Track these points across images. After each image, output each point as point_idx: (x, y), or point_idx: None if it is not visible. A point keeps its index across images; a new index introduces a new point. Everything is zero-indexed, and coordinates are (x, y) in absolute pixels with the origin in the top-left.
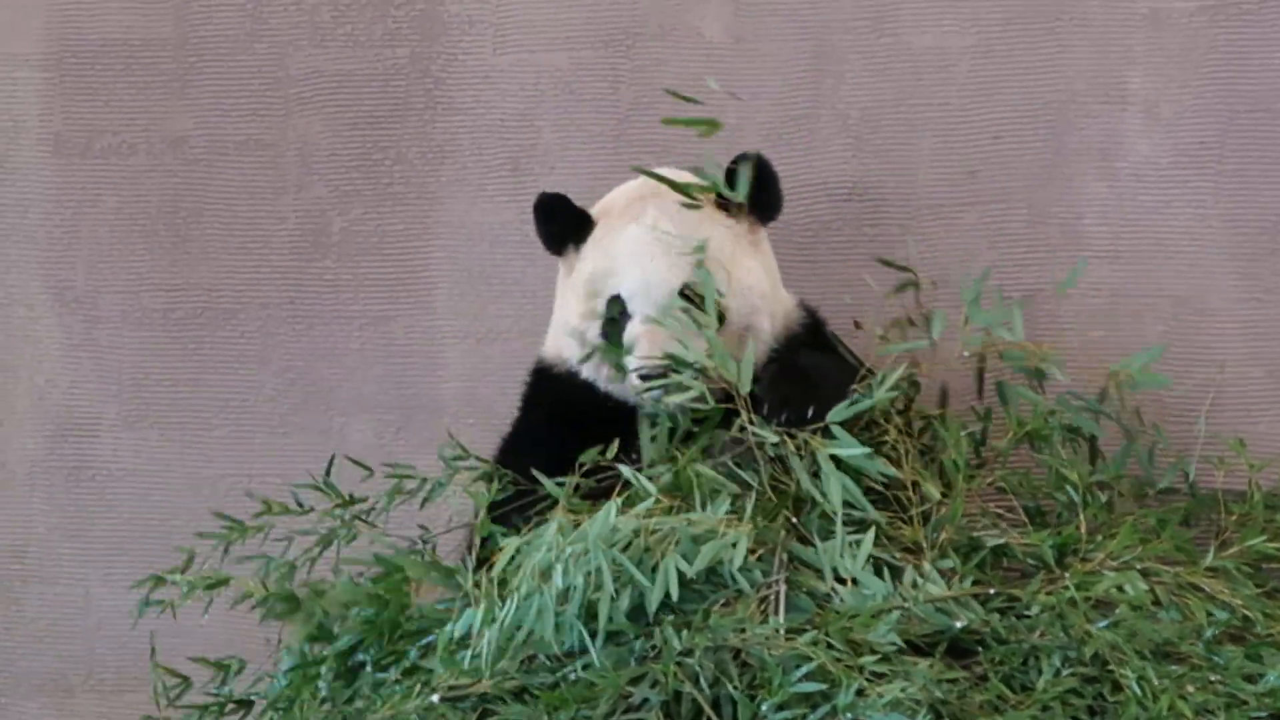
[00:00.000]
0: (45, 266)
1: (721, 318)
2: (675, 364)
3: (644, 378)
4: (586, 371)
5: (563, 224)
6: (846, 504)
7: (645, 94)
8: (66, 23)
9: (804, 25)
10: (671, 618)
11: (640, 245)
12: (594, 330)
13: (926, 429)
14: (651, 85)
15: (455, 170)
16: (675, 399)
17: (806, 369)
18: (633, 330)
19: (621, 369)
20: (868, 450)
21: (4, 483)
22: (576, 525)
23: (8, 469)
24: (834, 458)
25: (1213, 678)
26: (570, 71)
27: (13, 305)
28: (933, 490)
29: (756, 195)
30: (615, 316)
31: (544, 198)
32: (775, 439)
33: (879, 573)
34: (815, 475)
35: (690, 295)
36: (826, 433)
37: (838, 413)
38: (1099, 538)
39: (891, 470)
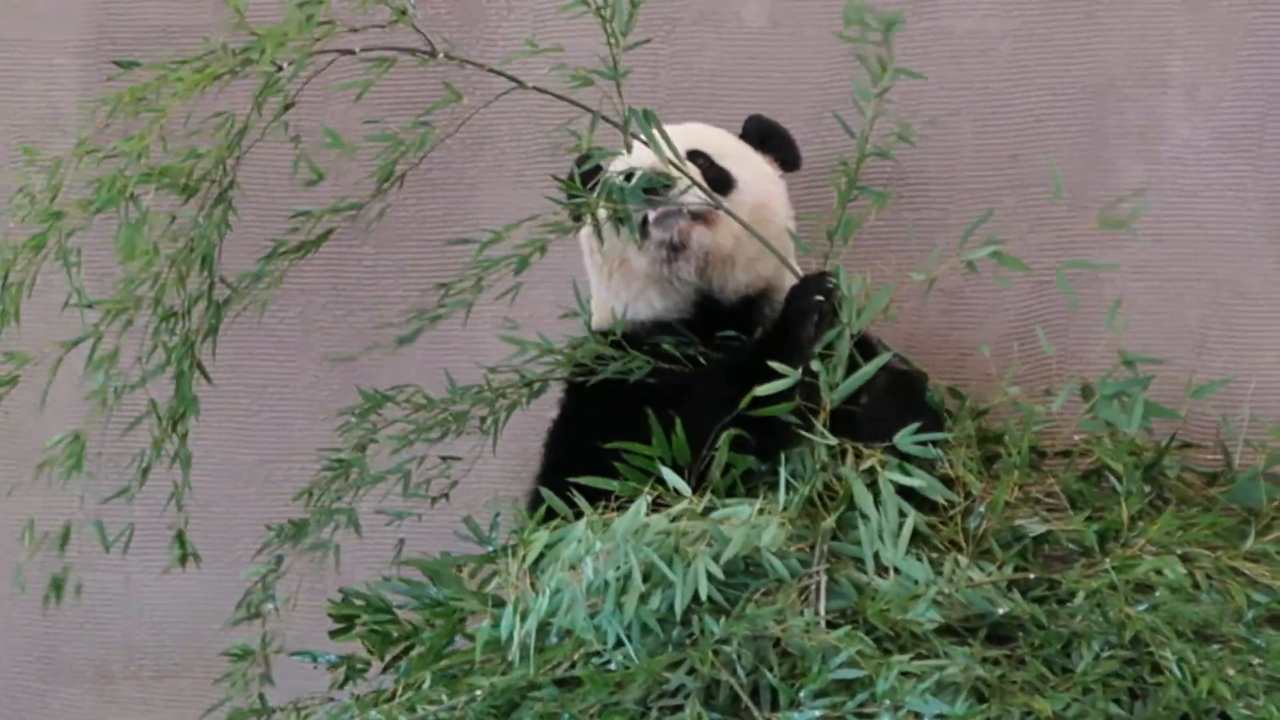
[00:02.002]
0: (84, 253)
1: (730, 183)
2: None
3: (648, 190)
4: (619, 302)
5: (584, 181)
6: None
7: (685, 79)
8: (105, 9)
9: (843, 10)
10: (709, 605)
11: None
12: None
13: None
14: (691, 70)
15: (494, 156)
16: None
17: (912, 394)
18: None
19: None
20: (928, 481)
21: (45, 471)
22: (606, 523)
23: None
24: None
25: (1254, 660)
26: (601, 62)
27: (52, 292)
28: (975, 483)
29: (771, 146)
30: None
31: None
32: (833, 442)
33: (919, 560)
34: (870, 486)
35: (700, 158)
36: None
37: (905, 438)
38: (1140, 523)
39: (946, 492)
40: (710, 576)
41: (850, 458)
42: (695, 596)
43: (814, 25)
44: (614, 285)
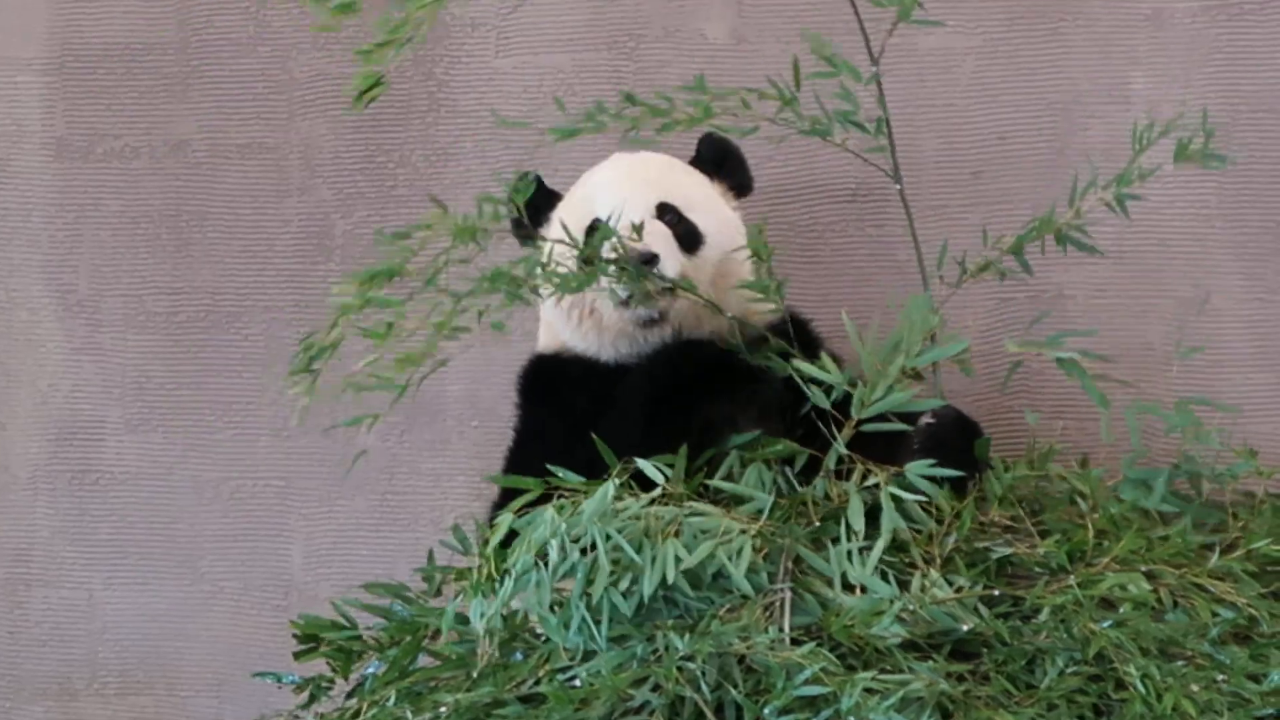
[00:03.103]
0: (48, 270)
1: (699, 239)
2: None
3: (615, 262)
4: (584, 344)
5: (537, 202)
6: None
7: (648, 96)
8: (69, 27)
9: (807, 27)
10: (674, 621)
11: (615, 173)
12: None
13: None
14: (654, 87)
15: (459, 173)
16: (659, 277)
17: (967, 428)
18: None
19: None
20: (925, 497)
21: (7, 486)
22: (575, 505)
23: (11, 473)
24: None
25: (1218, 677)
26: (573, 73)
27: (15, 309)
28: (944, 504)
29: (725, 171)
30: (595, 244)
31: (518, 179)
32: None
33: (885, 579)
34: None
35: (668, 213)
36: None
37: (918, 468)
38: (1104, 543)
39: (927, 522)
40: (676, 579)
41: (857, 474)
42: (660, 603)
43: (777, 41)
44: (582, 329)
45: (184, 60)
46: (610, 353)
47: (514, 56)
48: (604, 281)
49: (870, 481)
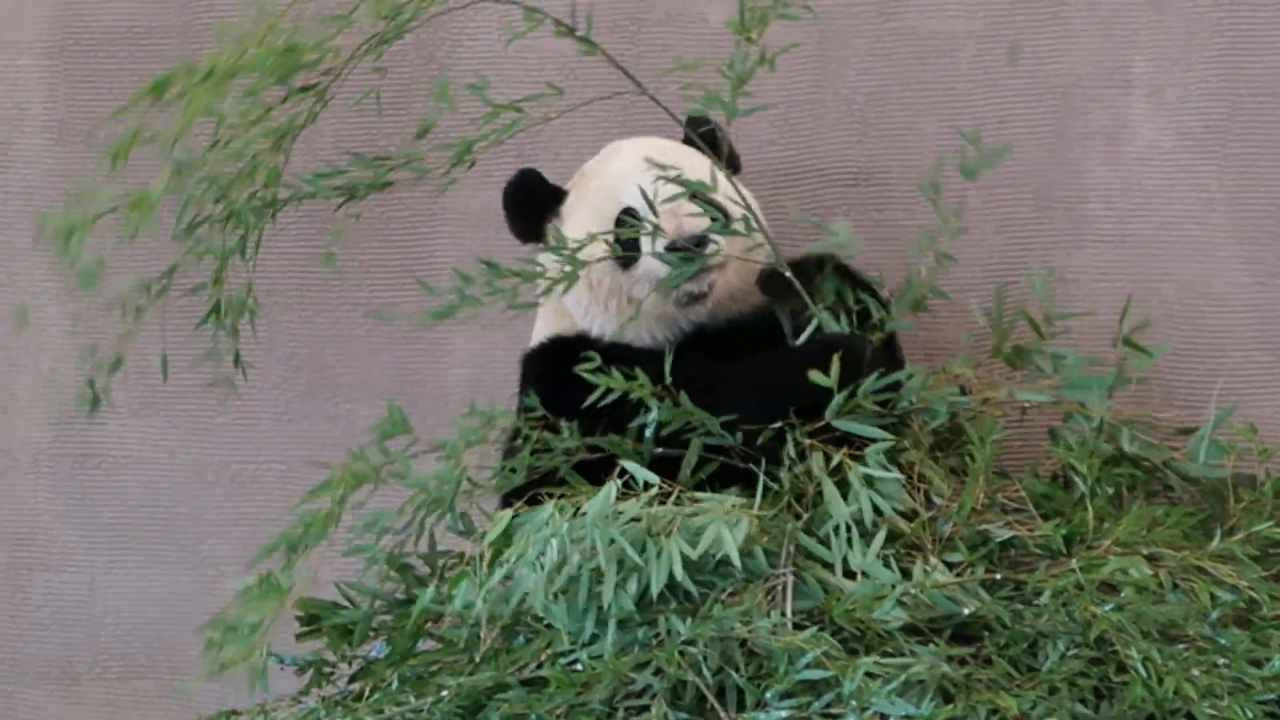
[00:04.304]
0: (49, 254)
1: (727, 219)
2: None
3: (671, 248)
4: (617, 332)
5: (541, 200)
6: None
7: (650, 80)
8: (70, 10)
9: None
10: (675, 605)
11: (635, 161)
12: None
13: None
14: (657, 71)
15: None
16: (709, 259)
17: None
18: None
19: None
20: (897, 477)
21: (9, 470)
22: (576, 508)
23: (12, 456)
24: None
25: (1219, 661)
26: (575, 57)
27: (17, 293)
28: (943, 487)
29: (718, 151)
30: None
31: (518, 176)
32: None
33: (886, 565)
34: (838, 485)
35: (699, 196)
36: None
37: (875, 450)
38: (1105, 524)
39: (908, 501)
40: (683, 563)
41: (818, 459)
42: (663, 593)
43: (778, 25)
44: (610, 312)
45: (185, 44)
46: (646, 339)
47: (516, 40)
48: (645, 269)
49: (834, 463)
